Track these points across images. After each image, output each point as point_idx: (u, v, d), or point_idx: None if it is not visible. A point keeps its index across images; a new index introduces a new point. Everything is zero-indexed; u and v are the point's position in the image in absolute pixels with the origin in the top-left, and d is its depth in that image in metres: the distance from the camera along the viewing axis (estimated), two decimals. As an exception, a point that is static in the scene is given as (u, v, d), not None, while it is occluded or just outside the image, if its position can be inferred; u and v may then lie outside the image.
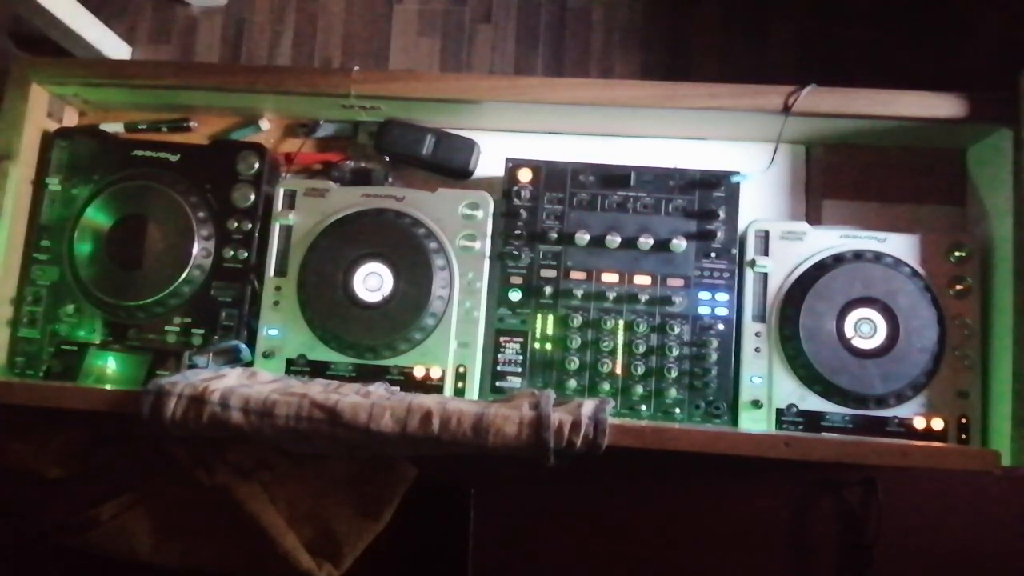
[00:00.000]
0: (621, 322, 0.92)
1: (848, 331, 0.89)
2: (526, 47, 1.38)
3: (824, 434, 0.88)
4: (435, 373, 0.91)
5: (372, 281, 0.93)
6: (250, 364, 0.94)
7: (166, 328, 0.96)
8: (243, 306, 0.96)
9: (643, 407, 0.90)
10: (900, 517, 0.87)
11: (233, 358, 0.93)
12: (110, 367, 0.97)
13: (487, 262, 0.94)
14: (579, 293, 0.93)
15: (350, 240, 0.94)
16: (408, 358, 0.92)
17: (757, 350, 0.91)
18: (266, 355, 0.93)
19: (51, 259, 0.99)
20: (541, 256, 0.94)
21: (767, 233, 0.93)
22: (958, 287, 0.90)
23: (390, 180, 1.02)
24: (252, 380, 0.85)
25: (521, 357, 0.92)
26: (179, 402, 0.78)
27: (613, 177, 0.95)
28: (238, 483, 0.85)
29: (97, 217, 0.97)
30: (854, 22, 1.32)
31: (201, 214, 0.97)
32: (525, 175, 0.95)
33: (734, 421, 0.90)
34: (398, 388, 0.89)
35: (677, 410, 0.90)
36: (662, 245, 0.93)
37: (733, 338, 0.91)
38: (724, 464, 0.82)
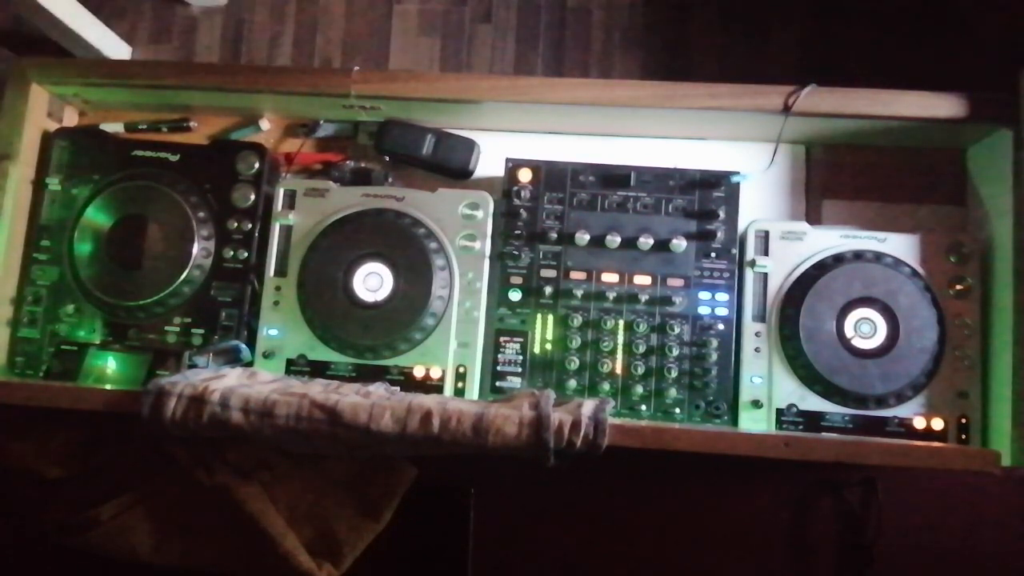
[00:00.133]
0: (621, 322, 0.92)
1: (848, 331, 0.89)
2: (526, 47, 1.38)
3: (824, 434, 0.88)
4: (435, 373, 0.91)
5: (372, 281, 0.93)
6: (250, 364, 0.94)
7: (166, 328, 0.96)
8: (243, 306, 0.96)
9: (643, 407, 0.90)
10: (900, 517, 0.87)
11: (233, 358, 0.93)
12: (110, 367, 0.97)
13: (487, 262, 0.94)
14: (579, 293, 0.93)
15: (350, 240, 0.94)
16: (408, 358, 0.92)
17: (757, 350, 0.91)
18: (266, 355, 0.93)
19: (51, 259, 0.99)
20: (541, 256, 0.94)
21: (767, 233, 0.93)
22: (958, 287, 0.90)
23: (390, 180, 1.02)
24: (252, 380, 0.85)
25: (521, 357, 0.92)
26: (179, 402, 0.78)
27: (613, 177, 0.95)
28: (238, 483, 0.85)
29: (97, 217, 0.97)
30: (854, 22, 1.32)
31: (201, 214, 0.97)
32: (525, 175, 0.95)
33: (734, 421, 0.90)
34: (398, 388, 0.89)
35: (677, 410, 0.90)
36: (662, 245, 0.93)
37: (733, 338, 0.91)
38: (724, 464, 0.82)
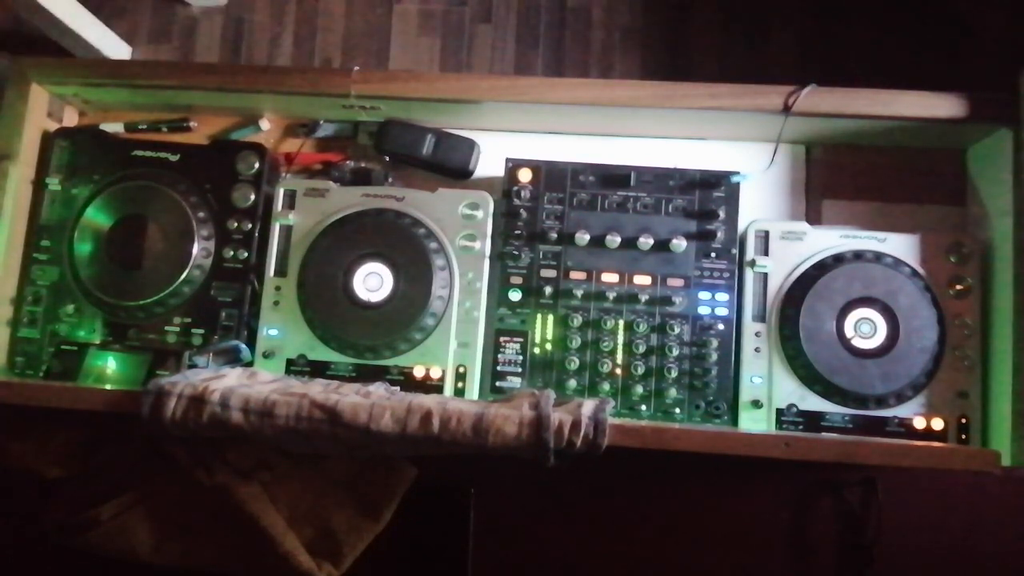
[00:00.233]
0: (621, 322, 0.92)
1: (848, 331, 0.89)
2: (526, 47, 1.38)
3: (824, 434, 0.88)
4: (435, 373, 0.91)
5: (372, 281, 0.93)
6: (250, 364, 0.94)
7: (166, 328, 0.96)
8: (243, 306, 0.96)
9: (643, 407, 0.90)
10: (900, 517, 0.87)
11: (233, 358, 0.93)
12: (110, 367, 0.97)
13: (487, 262, 0.94)
14: (579, 293, 0.93)
15: (350, 240, 0.94)
16: (408, 358, 0.92)
17: (757, 350, 0.91)
18: (266, 355, 0.93)
19: (51, 259, 0.99)
20: (541, 256, 0.94)
21: (767, 233, 0.93)
22: (958, 287, 0.90)
23: (390, 180, 1.02)
24: (252, 380, 0.85)
25: (521, 357, 0.92)
26: (179, 402, 0.78)
27: (613, 177, 0.95)
28: (238, 483, 0.85)
29: (97, 217, 0.97)
30: (854, 22, 1.32)
31: (201, 214, 0.97)
32: (525, 175, 0.95)
33: (734, 421, 0.90)
34: (398, 388, 0.89)
35: (677, 410, 0.90)
36: (662, 245, 0.93)
37: (733, 338, 0.91)
38: (724, 464, 0.82)
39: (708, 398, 0.90)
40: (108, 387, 0.90)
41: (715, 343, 0.91)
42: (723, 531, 0.89)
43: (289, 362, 0.93)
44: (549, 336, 0.92)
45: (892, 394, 0.88)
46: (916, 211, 0.99)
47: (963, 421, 0.88)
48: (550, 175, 0.95)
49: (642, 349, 0.91)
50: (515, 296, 0.93)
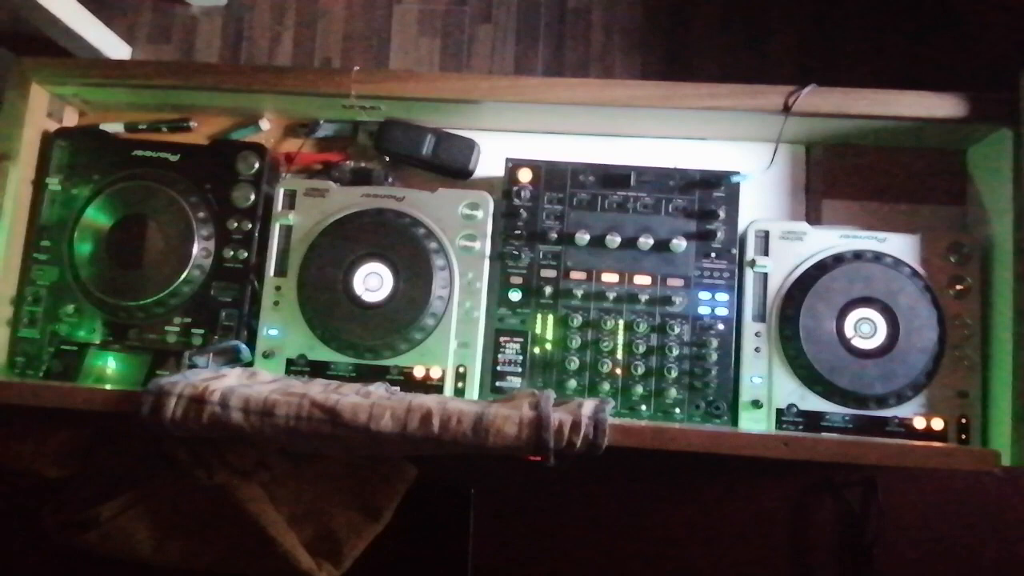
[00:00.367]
0: (621, 322, 0.92)
1: (848, 331, 0.89)
2: (526, 47, 1.38)
3: (824, 434, 0.88)
4: (435, 373, 0.91)
5: (372, 281, 0.93)
6: (250, 364, 0.93)
7: (166, 328, 0.96)
8: (243, 306, 0.96)
9: (643, 407, 0.90)
10: (900, 517, 0.88)
11: (233, 358, 0.93)
12: (110, 367, 0.97)
13: (487, 262, 0.94)
14: (579, 293, 0.93)
15: (350, 240, 0.94)
16: (408, 358, 0.92)
17: (757, 350, 0.91)
18: (266, 355, 0.93)
19: (51, 259, 0.99)
20: (541, 256, 0.94)
21: (767, 233, 0.93)
22: (958, 287, 0.90)
23: (390, 180, 1.02)
24: (252, 380, 0.85)
25: (521, 357, 0.92)
26: (179, 402, 0.78)
27: (613, 177, 0.95)
28: (238, 483, 0.85)
29: (97, 217, 0.97)
30: (854, 22, 1.32)
31: (201, 214, 0.97)
32: (525, 175, 0.95)
33: (734, 421, 0.90)
34: (398, 388, 0.89)
35: (677, 410, 0.90)
36: (662, 245, 0.93)
37: (733, 338, 0.91)
38: (724, 464, 0.82)
39: (708, 398, 0.90)
40: (108, 387, 0.90)
41: (715, 343, 0.91)
42: (723, 531, 0.89)
43: (289, 362, 0.93)
44: (549, 336, 0.92)
45: (892, 394, 0.88)
46: (916, 211, 0.99)
47: (963, 421, 0.88)
48: (550, 175, 0.95)
49: (642, 349, 0.91)
50: (515, 296, 0.93)
